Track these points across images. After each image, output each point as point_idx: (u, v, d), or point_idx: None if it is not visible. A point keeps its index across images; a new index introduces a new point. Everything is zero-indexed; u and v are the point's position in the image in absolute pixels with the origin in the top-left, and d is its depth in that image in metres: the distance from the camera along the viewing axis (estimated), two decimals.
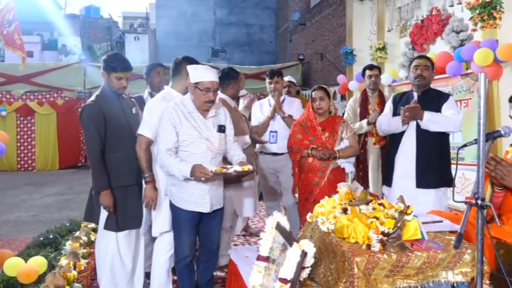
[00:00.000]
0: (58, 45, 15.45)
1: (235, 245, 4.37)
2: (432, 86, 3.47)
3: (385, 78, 6.62)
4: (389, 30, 7.15)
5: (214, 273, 3.36)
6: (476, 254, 1.71)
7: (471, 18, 4.94)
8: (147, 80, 3.76)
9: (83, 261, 3.53)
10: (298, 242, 1.82)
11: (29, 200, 7.30)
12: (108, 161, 2.85)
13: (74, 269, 3.35)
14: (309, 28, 12.45)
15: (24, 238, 4.84)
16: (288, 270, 1.78)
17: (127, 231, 2.94)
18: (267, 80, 4.10)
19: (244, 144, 3.34)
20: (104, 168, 2.82)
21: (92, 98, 2.95)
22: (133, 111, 3.06)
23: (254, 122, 4.06)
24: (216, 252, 2.96)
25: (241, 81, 4.51)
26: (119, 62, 2.88)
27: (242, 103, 4.65)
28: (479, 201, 1.65)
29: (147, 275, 3.15)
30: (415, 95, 3.37)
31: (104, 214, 2.89)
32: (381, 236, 1.97)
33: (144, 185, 2.88)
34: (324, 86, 3.57)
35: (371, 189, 4.50)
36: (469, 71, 5.10)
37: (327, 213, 2.28)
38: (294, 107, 4.10)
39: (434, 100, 3.31)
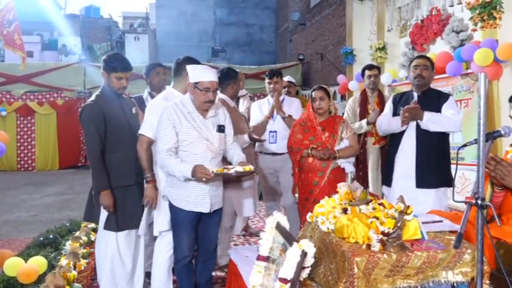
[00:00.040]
0: (58, 45, 15.45)
1: (235, 245, 4.38)
2: (432, 86, 3.47)
3: (385, 78, 6.62)
4: (389, 30, 7.15)
5: (214, 273, 3.37)
6: (476, 254, 1.71)
7: (471, 18, 4.94)
8: (147, 80, 3.76)
9: (83, 261, 3.53)
10: (298, 242, 1.82)
11: (29, 200, 7.30)
12: (108, 161, 2.85)
13: (74, 269, 3.35)
14: (309, 28, 12.45)
15: (24, 238, 4.84)
16: (288, 270, 1.78)
17: (127, 231, 2.94)
18: (267, 80, 4.10)
19: (243, 144, 3.35)
20: (104, 168, 2.82)
21: (92, 98, 2.95)
22: (133, 111, 3.07)
23: (253, 122, 4.06)
24: (213, 252, 2.96)
25: (241, 81, 4.52)
26: (119, 62, 2.88)
27: (242, 103, 4.66)
28: (479, 201, 1.65)
29: (148, 275, 3.15)
30: (415, 95, 3.37)
31: (103, 214, 2.90)
32: (380, 236, 1.97)
33: (145, 185, 2.89)
34: (324, 86, 3.57)
35: (371, 189, 4.50)
36: (469, 71, 5.10)
37: (327, 213, 2.28)
38: (293, 107, 4.10)
39: (434, 100, 3.31)
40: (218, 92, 2.90)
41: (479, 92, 1.66)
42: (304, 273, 1.82)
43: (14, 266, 3.11)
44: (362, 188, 2.52)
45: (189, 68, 2.73)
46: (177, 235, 2.80)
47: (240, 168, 2.62)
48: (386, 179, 3.50)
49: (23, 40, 4.20)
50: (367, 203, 2.32)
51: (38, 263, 3.22)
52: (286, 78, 4.72)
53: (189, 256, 2.84)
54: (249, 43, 18.12)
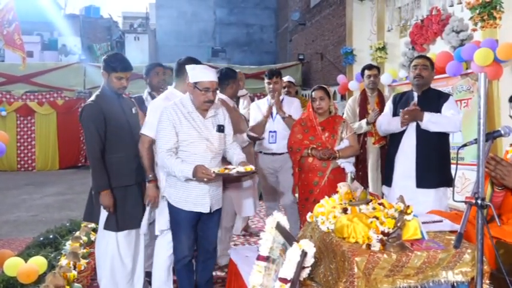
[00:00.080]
0: (58, 45, 15.45)
1: (235, 245, 4.38)
2: (432, 86, 3.47)
3: (385, 78, 6.62)
4: (389, 30, 7.15)
5: (214, 273, 3.37)
6: (476, 254, 1.71)
7: (471, 18, 4.94)
8: (146, 80, 3.76)
9: (83, 261, 3.53)
10: (298, 241, 1.82)
11: (29, 200, 7.30)
12: (108, 161, 2.85)
13: (74, 269, 3.35)
14: (309, 28, 12.45)
15: (24, 238, 4.84)
16: (288, 270, 1.78)
17: (127, 231, 2.94)
18: (266, 80, 4.10)
19: (242, 143, 3.35)
20: (103, 168, 2.82)
21: (92, 98, 2.94)
22: (133, 111, 3.06)
23: (252, 122, 4.06)
24: (213, 252, 2.96)
25: (241, 80, 4.52)
26: (119, 62, 2.88)
27: (242, 103, 4.65)
28: (479, 201, 1.66)
29: (148, 275, 3.16)
30: (415, 94, 3.37)
31: (103, 214, 2.90)
32: (380, 236, 1.97)
33: (147, 184, 2.91)
34: (324, 85, 3.57)
35: (370, 189, 4.50)
36: (469, 70, 5.10)
37: (327, 213, 2.28)
38: (293, 106, 4.10)
39: (434, 100, 3.31)
40: (218, 92, 2.90)
41: (479, 91, 1.66)
42: (304, 273, 1.82)
43: (14, 266, 3.11)
44: (362, 188, 2.52)
45: (189, 68, 2.73)
46: (177, 235, 2.80)
47: (241, 169, 2.62)
48: (387, 179, 3.50)
49: (23, 40, 4.20)
50: (367, 203, 2.32)
51: (38, 263, 3.22)
52: (285, 78, 4.72)
53: (189, 256, 2.84)
54: (249, 43, 18.12)
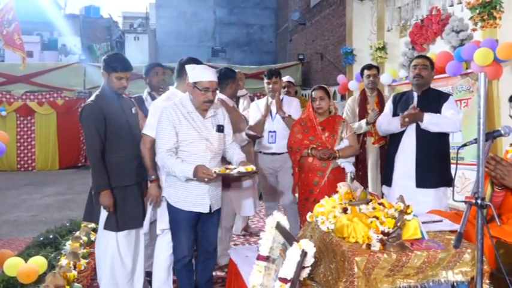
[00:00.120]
0: (58, 45, 15.46)
1: (235, 244, 4.38)
2: (432, 85, 3.47)
3: (385, 78, 6.62)
4: (389, 30, 7.15)
5: (214, 273, 3.37)
6: (476, 254, 1.71)
7: (471, 17, 4.94)
8: (146, 80, 3.75)
9: (83, 261, 3.53)
10: (298, 241, 1.82)
11: (29, 200, 7.30)
12: (108, 161, 2.85)
13: (74, 269, 3.35)
14: (309, 28, 12.45)
15: (24, 238, 4.84)
16: (288, 270, 1.78)
17: (127, 231, 2.94)
18: (265, 81, 4.10)
19: (241, 142, 3.36)
20: (103, 168, 2.82)
21: (92, 97, 2.94)
22: (133, 111, 3.06)
23: (252, 122, 4.06)
24: (213, 252, 2.96)
25: (241, 80, 4.52)
26: (119, 62, 2.88)
27: (242, 103, 4.65)
28: (479, 201, 1.65)
29: (148, 274, 3.16)
30: (415, 94, 3.37)
31: (103, 214, 2.89)
32: (380, 236, 1.97)
33: (149, 183, 2.93)
34: (324, 85, 3.57)
35: (370, 189, 4.50)
36: (469, 70, 5.10)
37: (326, 212, 2.28)
38: (292, 106, 4.10)
39: (434, 100, 3.31)
40: (217, 92, 2.90)
41: (479, 91, 1.66)
42: (304, 273, 1.82)
43: (14, 266, 3.11)
44: (362, 187, 2.52)
45: (188, 67, 2.73)
46: (176, 235, 2.81)
47: (242, 169, 2.62)
48: (386, 178, 3.50)
49: (23, 40, 4.20)
50: (367, 203, 2.32)
51: (38, 263, 3.22)
52: (285, 78, 4.72)
53: (189, 256, 2.84)
54: (249, 43, 18.12)
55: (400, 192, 2.41)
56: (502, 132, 1.89)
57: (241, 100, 4.66)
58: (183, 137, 2.67)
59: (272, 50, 17.89)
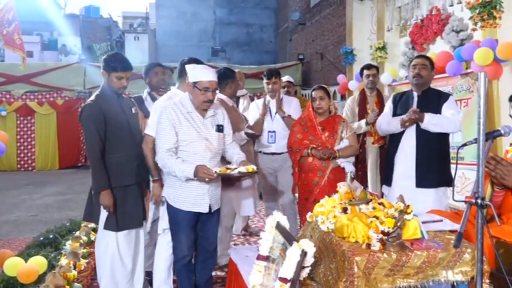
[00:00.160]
0: (58, 45, 15.46)
1: (235, 244, 4.38)
2: (432, 85, 3.47)
3: (385, 78, 6.62)
4: (389, 30, 7.15)
5: (214, 273, 3.37)
6: (476, 253, 1.71)
7: (471, 17, 4.94)
8: (146, 79, 3.75)
9: (83, 261, 3.53)
10: (298, 241, 1.82)
11: (29, 200, 7.30)
12: (108, 161, 2.84)
13: (74, 268, 3.34)
14: (309, 28, 12.45)
15: (24, 238, 4.84)
16: (288, 270, 1.78)
17: (127, 231, 2.94)
18: (265, 81, 4.10)
19: (240, 141, 3.36)
20: (103, 168, 2.81)
21: (92, 97, 2.94)
22: (133, 111, 3.06)
23: (251, 121, 4.06)
24: (213, 252, 2.97)
25: (241, 80, 4.52)
26: (119, 62, 2.88)
27: (242, 103, 4.65)
28: (479, 201, 1.65)
29: (147, 274, 3.16)
30: (415, 94, 3.37)
31: (103, 214, 2.89)
32: (380, 236, 1.97)
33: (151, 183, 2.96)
34: (324, 85, 3.57)
35: (370, 189, 4.50)
36: (469, 70, 5.10)
37: (326, 212, 2.28)
38: (292, 106, 4.10)
39: (434, 100, 3.31)
40: (217, 92, 2.90)
41: (479, 91, 1.66)
42: (304, 273, 1.82)
43: (14, 266, 3.11)
44: (362, 187, 2.52)
45: (188, 67, 2.74)
46: (176, 235, 2.81)
47: (243, 169, 2.62)
48: (386, 178, 3.49)
49: (23, 40, 4.20)
50: (367, 203, 2.32)
51: (38, 263, 3.22)
52: (285, 78, 4.72)
53: (189, 256, 2.84)
54: (249, 43, 18.12)
55: (400, 192, 2.41)
56: (502, 132, 1.89)
57: (241, 100, 4.66)
58: (183, 137, 2.67)
59: (272, 49, 17.89)
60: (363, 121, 4.48)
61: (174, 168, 2.62)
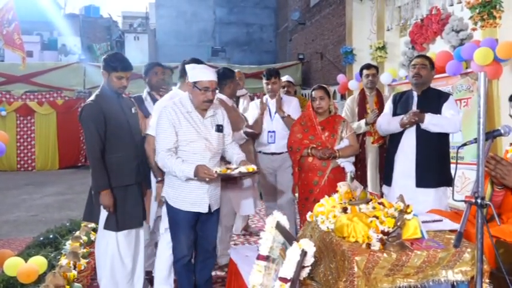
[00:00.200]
0: (58, 45, 15.48)
1: (235, 244, 4.38)
2: (432, 85, 3.47)
3: (385, 78, 6.62)
4: (389, 30, 7.15)
5: (214, 273, 3.37)
6: (476, 253, 1.71)
7: (471, 17, 4.94)
8: (145, 79, 3.75)
9: (83, 261, 3.52)
10: (298, 241, 1.82)
11: (29, 200, 7.30)
12: (108, 161, 2.84)
13: (74, 268, 3.34)
14: (308, 27, 12.45)
15: (24, 238, 4.84)
16: (288, 270, 1.78)
17: (127, 231, 2.94)
18: (264, 81, 4.10)
19: (239, 140, 3.37)
20: (103, 168, 2.81)
21: (92, 97, 2.94)
22: (133, 111, 3.06)
23: (251, 120, 4.06)
24: (213, 252, 2.97)
25: (241, 80, 4.52)
26: (119, 62, 2.88)
27: (242, 103, 4.65)
28: (479, 200, 1.65)
29: (147, 274, 3.17)
30: (415, 94, 3.37)
31: (103, 214, 2.90)
32: (380, 235, 1.97)
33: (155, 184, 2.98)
34: (324, 85, 3.57)
35: (369, 189, 4.50)
36: (468, 70, 5.10)
37: (326, 212, 2.28)
38: (291, 106, 4.10)
39: (434, 100, 3.31)
40: (217, 92, 2.90)
41: (479, 91, 1.66)
42: (304, 273, 1.82)
43: (14, 266, 3.11)
44: (362, 187, 2.52)
45: (188, 67, 2.74)
46: (176, 235, 2.81)
47: (243, 169, 2.62)
48: (386, 178, 3.49)
49: (23, 40, 4.21)
50: (367, 202, 2.32)
51: (38, 263, 3.22)
52: (284, 78, 4.72)
53: (188, 256, 2.84)
54: (248, 42, 18.11)
55: (400, 192, 2.41)
56: (502, 131, 1.90)
57: (241, 100, 4.66)
58: (183, 137, 2.67)
59: (272, 49, 17.89)
60: (363, 121, 4.48)
61: (174, 168, 2.62)
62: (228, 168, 2.65)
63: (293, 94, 4.94)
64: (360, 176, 4.53)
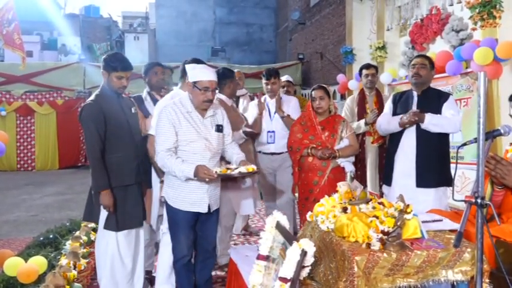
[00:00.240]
0: (58, 45, 15.49)
1: (235, 244, 4.38)
2: (432, 85, 3.47)
3: (384, 78, 6.62)
4: (389, 30, 7.15)
5: (214, 273, 3.37)
6: (476, 253, 1.71)
7: (471, 17, 4.94)
8: (145, 79, 3.75)
9: (83, 261, 3.52)
10: (298, 241, 1.82)
11: (29, 200, 7.30)
12: (108, 161, 2.84)
13: (74, 268, 3.34)
14: (308, 27, 12.45)
15: (24, 238, 4.84)
16: (288, 269, 1.78)
17: (127, 231, 2.94)
18: (264, 81, 4.10)
19: (238, 139, 3.37)
20: (103, 168, 2.81)
21: (92, 97, 2.94)
22: (133, 110, 3.06)
23: (251, 120, 4.06)
24: (213, 252, 2.97)
25: (241, 80, 4.52)
26: (119, 62, 2.88)
27: (242, 102, 4.65)
28: (479, 200, 1.65)
29: (147, 274, 3.16)
30: (415, 94, 3.37)
31: (103, 214, 2.89)
32: (380, 235, 1.97)
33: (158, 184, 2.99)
34: (324, 85, 3.57)
35: (369, 188, 4.50)
36: (468, 70, 5.10)
37: (326, 212, 2.28)
38: (291, 105, 4.10)
39: (434, 100, 3.31)
40: (217, 91, 2.90)
41: (479, 91, 1.66)
42: (304, 273, 1.82)
43: (14, 266, 3.11)
44: (362, 187, 2.52)
45: (188, 67, 2.74)
46: (176, 235, 2.80)
47: (243, 169, 2.62)
48: (386, 178, 3.49)
49: (23, 40, 4.20)
50: (367, 202, 2.32)
51: (38, 263, 3.21)
52: (284, 78, 4.72)
53: (188, 256, 2.84)
54: (248, 42, 18.11)
55: (400, 192, 2.41)
56: (502, 131, 1.90)
57: (241, 100, 4.66)
58: (183, 137, 2.67)
59: (272, 49, 17.89)
60: (362, 121, 4.48)
61: (174, 168, 2.62)
62: (228, 168, 2.64)
63: (293, 94, 4.94)
64: (360, 175, 4.53)
